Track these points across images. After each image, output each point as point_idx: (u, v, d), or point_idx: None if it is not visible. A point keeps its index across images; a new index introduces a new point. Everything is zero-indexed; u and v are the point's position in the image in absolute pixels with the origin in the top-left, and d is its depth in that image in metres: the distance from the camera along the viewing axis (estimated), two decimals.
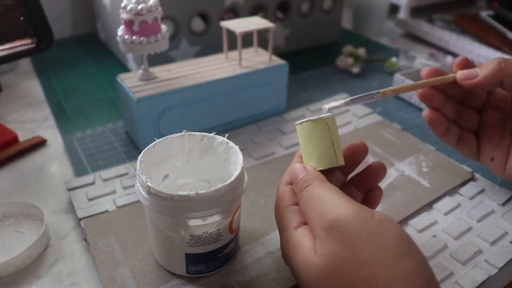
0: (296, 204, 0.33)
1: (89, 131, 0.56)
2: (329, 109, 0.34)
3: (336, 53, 0.77)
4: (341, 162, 0.34)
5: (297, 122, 0.34)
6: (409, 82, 0.62)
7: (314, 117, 0.33)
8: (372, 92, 0.36)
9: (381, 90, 0.36)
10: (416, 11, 0.99)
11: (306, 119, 0.34)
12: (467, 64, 0.41)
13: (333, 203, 0.29)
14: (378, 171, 0.36)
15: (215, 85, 0.52)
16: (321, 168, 0.33)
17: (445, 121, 0.43)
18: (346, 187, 0.37)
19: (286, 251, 0.32)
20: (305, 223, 0.31)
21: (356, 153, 0.37)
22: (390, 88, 0.37)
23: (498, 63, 0.38)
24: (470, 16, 0.89)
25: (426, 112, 0.43)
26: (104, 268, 0.36)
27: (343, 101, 0.35)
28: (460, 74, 0.40)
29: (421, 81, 0.41)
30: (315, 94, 0.66)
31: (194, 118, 0.52)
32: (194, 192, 0.31)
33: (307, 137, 0.34)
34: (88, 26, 0.87)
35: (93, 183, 0.46)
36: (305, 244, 0.29)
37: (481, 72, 0.38)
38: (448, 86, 0.42)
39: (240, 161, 0.34)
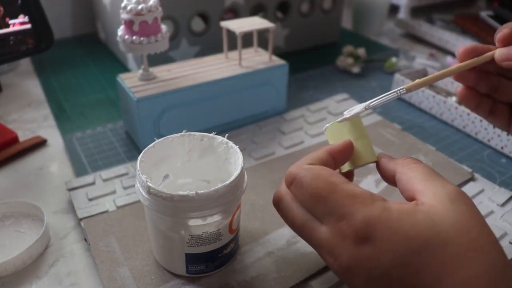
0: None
1: (89, 131, 0.56)
2: (350, 117, 0.33)
3: (336, 53, 0.77)
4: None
5: (338, 120, 0.33)
6: (408, 82, 0.62)
7: (348, 116, 0.33)
8: (395, 89, 0.32)
9: (406, 86, 0.33)
10: (416, 11, 0.99)
11: (341, 118, 0.33)
12: None
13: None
14: None
15: (215, 85, 0.52)
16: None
17: (478, 97, 0.40)
18: None
19: (377, 223, 0.28)
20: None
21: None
22: (416, 81, 0.33)
23: None
24: (470, 16, 0.89)
25: (459, 88, 0.40)
26: (104, 268, 0.36)
27: (364, 105, 0.33)
28: (498, 54, 0.36)
29: (451, 68, 0.36)
30: (315, 94, 0.66)
31: (194, 118, 0.52)
32: (194, 192, 0.31)
33: (359, 132, 0.33)
34: (88, 26, 0.87)
35: (93, 183, 0.46)
36: (418, 207, 0.28)
37: None
38: (487, 61, 0.38)
39: (240, 161, 0.34)
